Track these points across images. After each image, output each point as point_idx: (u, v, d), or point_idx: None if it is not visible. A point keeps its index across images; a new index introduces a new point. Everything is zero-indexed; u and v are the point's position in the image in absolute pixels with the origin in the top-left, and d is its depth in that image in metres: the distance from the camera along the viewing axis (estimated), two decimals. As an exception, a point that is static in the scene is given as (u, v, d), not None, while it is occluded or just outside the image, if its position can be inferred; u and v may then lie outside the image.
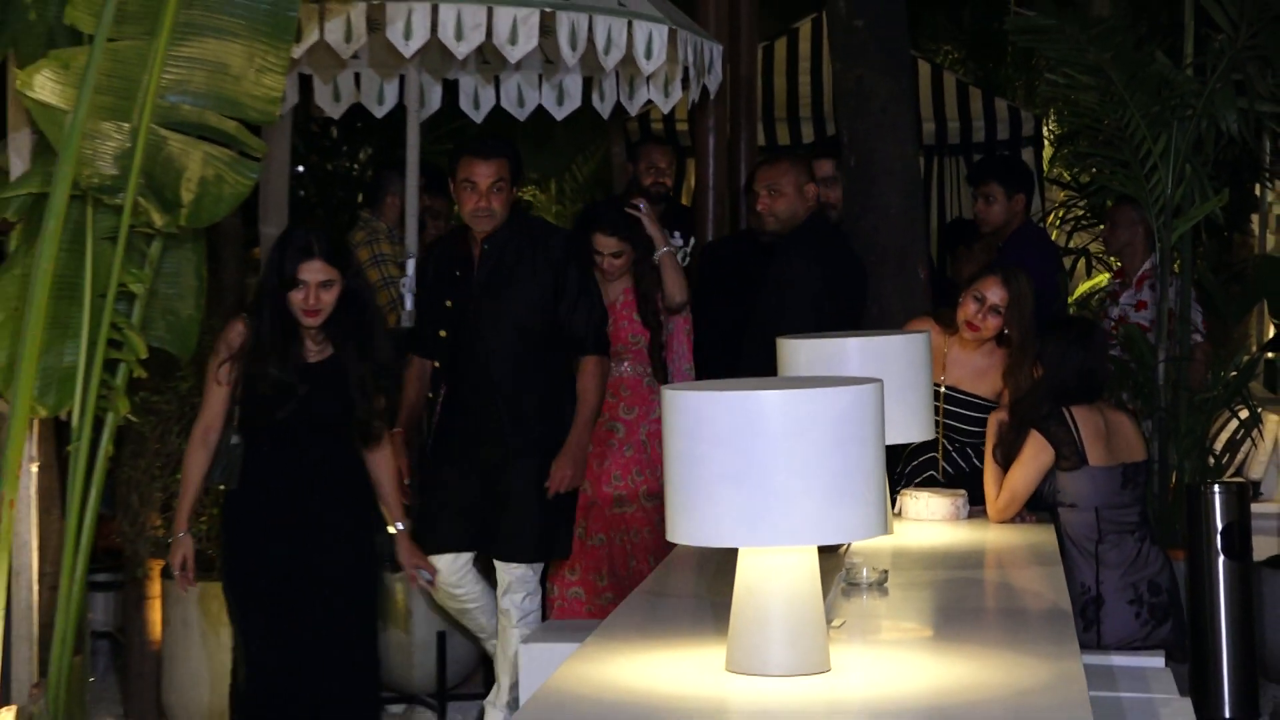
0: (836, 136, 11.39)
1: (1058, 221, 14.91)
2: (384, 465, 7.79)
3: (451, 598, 8.57)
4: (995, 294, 8.13)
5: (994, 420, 8.08)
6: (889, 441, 5.42)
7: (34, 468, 7.01)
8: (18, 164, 7.02)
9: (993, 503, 7.86)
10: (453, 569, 8.42)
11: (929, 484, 8.25)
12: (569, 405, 8.44)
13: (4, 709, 6.36)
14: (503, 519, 8.37)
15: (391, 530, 7.99)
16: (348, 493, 7.79)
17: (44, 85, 6.33)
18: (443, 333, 8.33)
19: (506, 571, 8.39)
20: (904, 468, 8.38)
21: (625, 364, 9.34)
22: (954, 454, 8.35)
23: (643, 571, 8.72)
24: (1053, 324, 8.18)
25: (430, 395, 8.87)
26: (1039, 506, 7.97)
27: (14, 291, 6.50)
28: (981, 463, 8.14)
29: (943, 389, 8.24)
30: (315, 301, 7.27)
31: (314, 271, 7.20)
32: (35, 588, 7.13)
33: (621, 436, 9.41)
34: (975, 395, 8.30)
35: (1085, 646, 6.32)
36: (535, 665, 6.87)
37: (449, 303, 8.34)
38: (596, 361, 8.46)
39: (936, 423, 7.99)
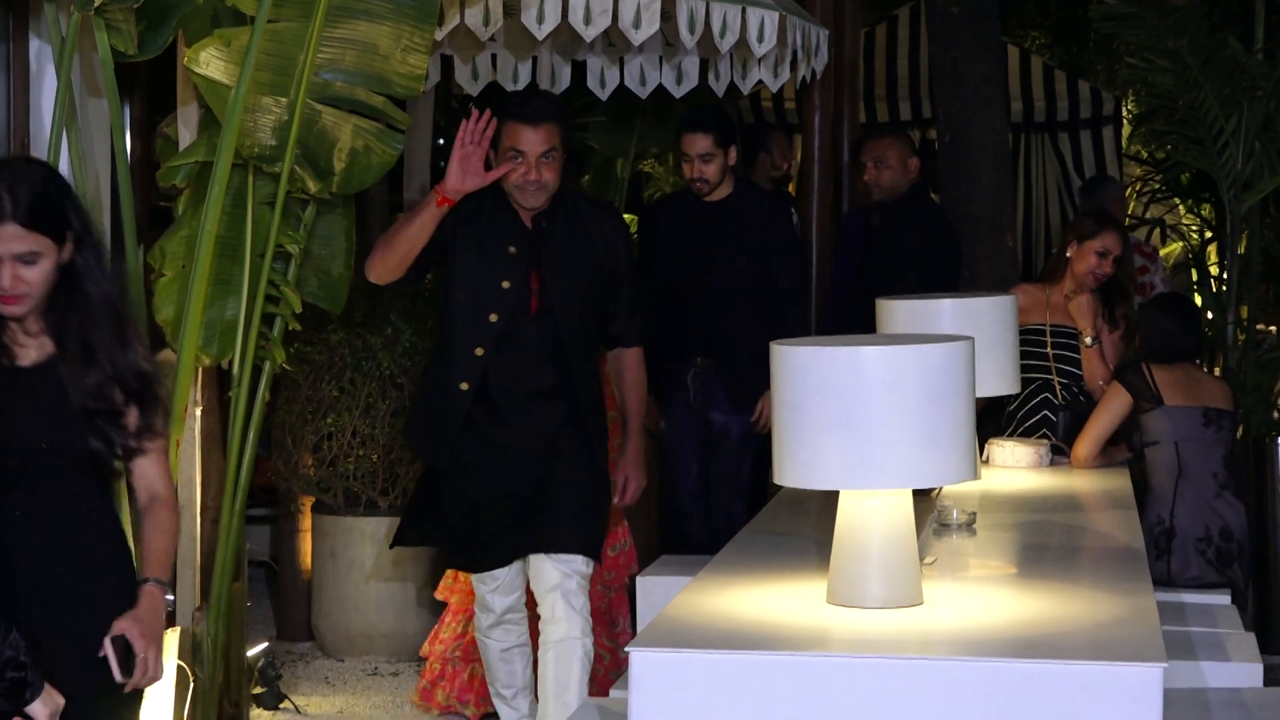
0: (933, 115, 11.37)
1: (1134, 195, 14.81)
2: (159, 519, 4.96)
3: (503, 629, 7.02)
4: (1111, 243, 8.15)
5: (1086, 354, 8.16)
6: (979, 394, 5.42)
7: (198, 412, 7.06)
8: (186, 135, 7.06)
9: (1081, 444, 7.86)
10: (513, 591, 6.95)
11: (1044, 425, 8.22)
12: (601, 398, 7.05)
13: (171, 629, 6.41)
14: (559, 512, 6.74)
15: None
16: (96, 557, 4.88)
17: (210, 62, 6.37)
18: (494, 316, 6.59)
19: (568, 567, 6.70)
20: (1019, 409, 8.34)
21: None
22: (1068, 387, 8.29)
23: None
24: (1157, 298, 8.19)
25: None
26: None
27: (181, 251, 6.54)
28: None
29: (1049, 329, 8.25)
30: (10, 282, 4.68)
31: (7, 239, 4.64)
32: (198, 520, 7.19)
33: None
34: (1076, 329, 8.30)
35: (1155, 576, 6.29)
36: (651, 596, 6.89)
37: (505, 283, 6.60)
38: (638, 353, 7.12)
39: (1047, 356, 8.08)
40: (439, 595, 8.29)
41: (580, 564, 6.75)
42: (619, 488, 6.98)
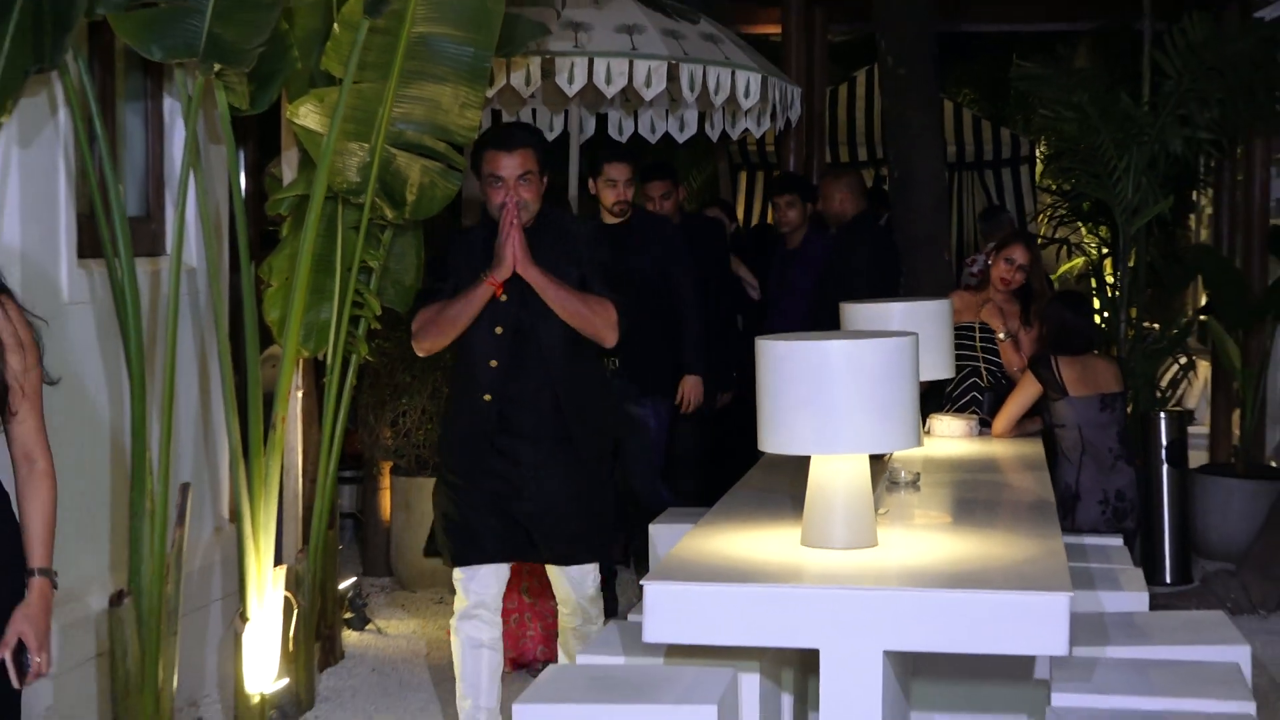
0: (884, 155, 11.39)
1: (1046, 219, 14.83)
2: (38, 492, 4.15)
3: (476, 627, 5.99)
4: (1020, 256, 8.22)
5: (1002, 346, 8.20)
6: (921, 378, 5.43)
7: (299, 395, 7.09)
8: (288, 173, 7.08)
9: (999, 420, 7.91)
10: (494, 582, 6.00)
11: (973, 404, 8.26)
12: (612, 401, 6.41)
13: (278, 566, 6.42)
14: (568, 519, 5.97)
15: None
16: None
17: (307, 115, 6.38)
18: (499, 329, 5.85)
19: (583, 577, 6.10)
20: (954, 390, 8.36)
21: None
22: (992, 372, 8.31)
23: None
24: (1056, 294, 8.19)
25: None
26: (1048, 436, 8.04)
27: (284, 266, 6.56)
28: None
29: (977, 326, 8.29)
30: None
31: None
32: (300, 480, 7.22)
33: None
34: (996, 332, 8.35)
35: (1063, 529, 6.30)
36: (662, 540, 6.89)
37: (503, 297, 5.83)
38: (605, 302, 5.97)
39: (976, 348, 8.13)
40: None
41: (592, 572, 6.12)
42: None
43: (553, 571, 6.09)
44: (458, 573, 5.96)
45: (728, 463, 8.74)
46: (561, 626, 6.26)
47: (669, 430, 8.85)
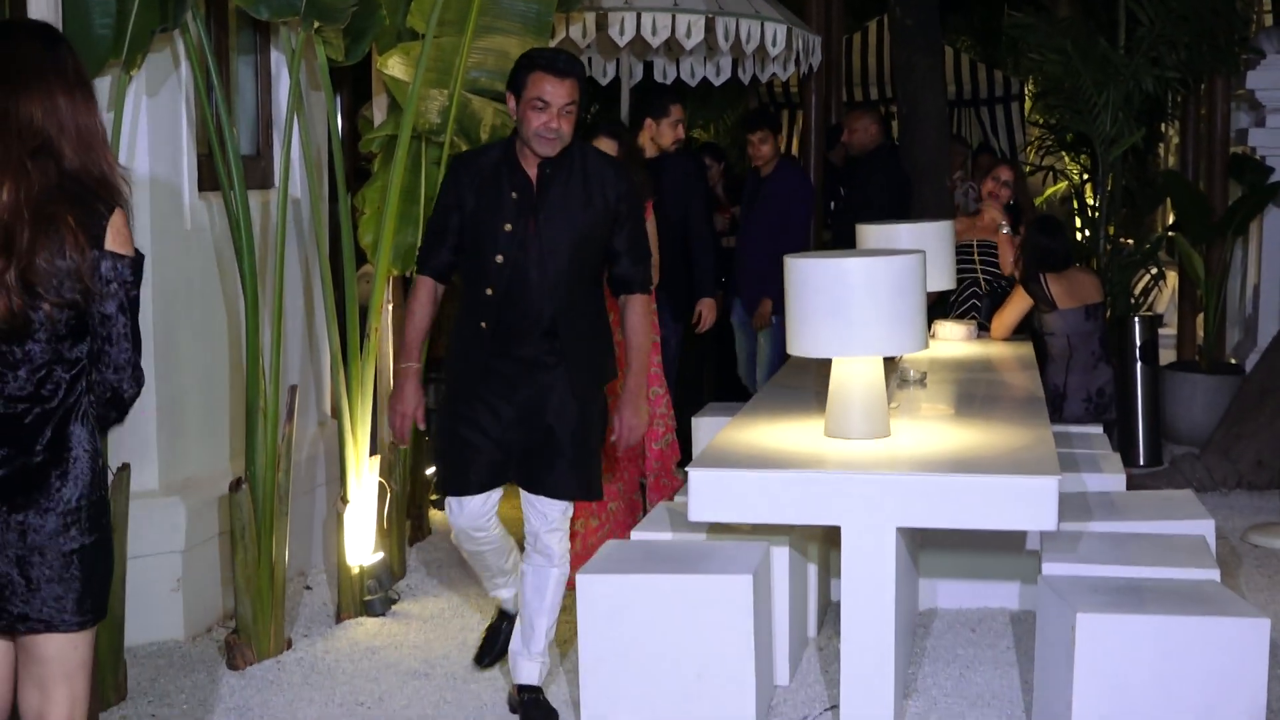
0: (894, 94, 11.32)
1: (1034, 149, 14.74)
2: None
3: (470, 540, 5.26)
4: (1005, 174, 8.29)
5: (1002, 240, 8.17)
6: (928, 289, 5.42)
7: (390, 307, 7.06)
8: (378, 116, 7.04)
9: (995, 324, 7.91)
10: (482, 511, 5.16)
11: (973, 310, 8.24)
12: (608, 342, 5.32)
13: (373, 456, 6.43)
14: (547, 455, 5.08)
15: None
16: None
17: (394, 66, 6.34)
18: (499, 258, 4.98)
19: (548, 509, 5.12)
20: (956, 297, 8.34)
21: None
22: (989, 282, 8.28)
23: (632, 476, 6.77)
24: (1034, 221, 8.15)
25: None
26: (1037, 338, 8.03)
27: (376, 197, 6.53)
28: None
29: (975, 243, 8.28)
30: None
31: None
32: (391, 381, 7.20)
33: None
34: (994, 243, 8.30)
35: (1052, 424, 6.28)
36: (704, 431, 6.89)
37: (508, 226, 4.98)
38: (645, 300, 5.25)
39: (975, 262, 8.12)
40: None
41: (564, 508, 5.15)
42: (614, 427, 5.18)
43: (523, 497, 5.17)
44: (447, 500, 5.20)
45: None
46: (521, 577, 5.31)
47: (682, 348, 8.58)
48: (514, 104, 5.00)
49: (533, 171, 5.03)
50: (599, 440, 5.22)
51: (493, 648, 5.64)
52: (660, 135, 7.96)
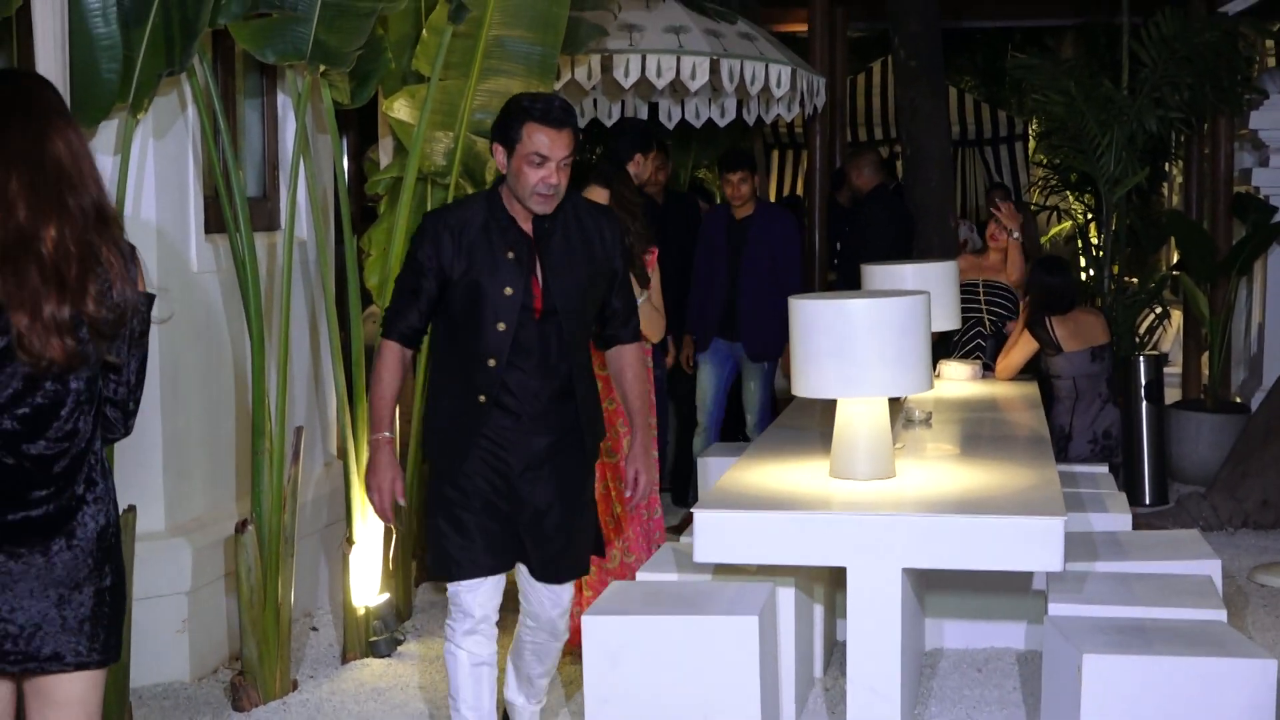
0: (898, 135, 11.35)
1: (1038, 189, 14.77)
2: None
3: (482, 644, 4.69)
4: (1010, 213, 8.36)
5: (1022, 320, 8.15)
6: (933, 329, 5.42)
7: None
8: (384, 158, 7.06)
9: (1000, 365, 7.92)
10: (495, 597, 4.70)
11: (977, 350, 8.25)
12: (597, 392, 4.85)
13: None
14: (559, 538, 4.67)
15: None
16: None
17: (400, 108, 6.36)
18: (501, 325, 4.50)
19: (563, 594, 4.78)
20: (960, 337, 8.34)
21: None
22: (994, 322, 8.29)
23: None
24: (1038, 262, 8.16)
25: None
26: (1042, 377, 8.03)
27: (382, 238, 6.54)
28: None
29: (981, 283, 8.29)
30: None
31: None
32: (397, 421, 7.18)
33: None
34: (1000, 283, 8.30)
35: (1058, 462, 6.29)
36: (710, 471, 6.88)
37: (508, 290, 4.50)
38: (638, 349, 4.91)
39: (980, 302, 8.11)
40: None
41: (569, 589, 4.81)
42: (629, 481, 4.84)
43: (529, 584, 4.79)
44: (457, 587, 4.67)
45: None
46: (519, 641, 4.97)
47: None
48: (503, 156, 4.56)
49: (527, 227, 4.60)
50: (594, 519, 4.88)
51: None
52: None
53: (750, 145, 15.65)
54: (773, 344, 8.52)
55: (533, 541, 4.67)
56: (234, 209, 5.72)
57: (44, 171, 3.32)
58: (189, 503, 6.10)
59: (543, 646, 4.92)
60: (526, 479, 4.62)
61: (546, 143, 4.48)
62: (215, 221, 6.15)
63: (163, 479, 5.94)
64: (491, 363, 4.56)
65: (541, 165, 4.48)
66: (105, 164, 5.61)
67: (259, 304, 5.77)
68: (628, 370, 4.89)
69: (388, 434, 4.68)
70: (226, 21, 5.65)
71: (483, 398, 4.57)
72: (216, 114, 5.75)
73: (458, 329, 4.62)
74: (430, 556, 4.76)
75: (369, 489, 4.68)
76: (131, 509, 5.34)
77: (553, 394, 4.62)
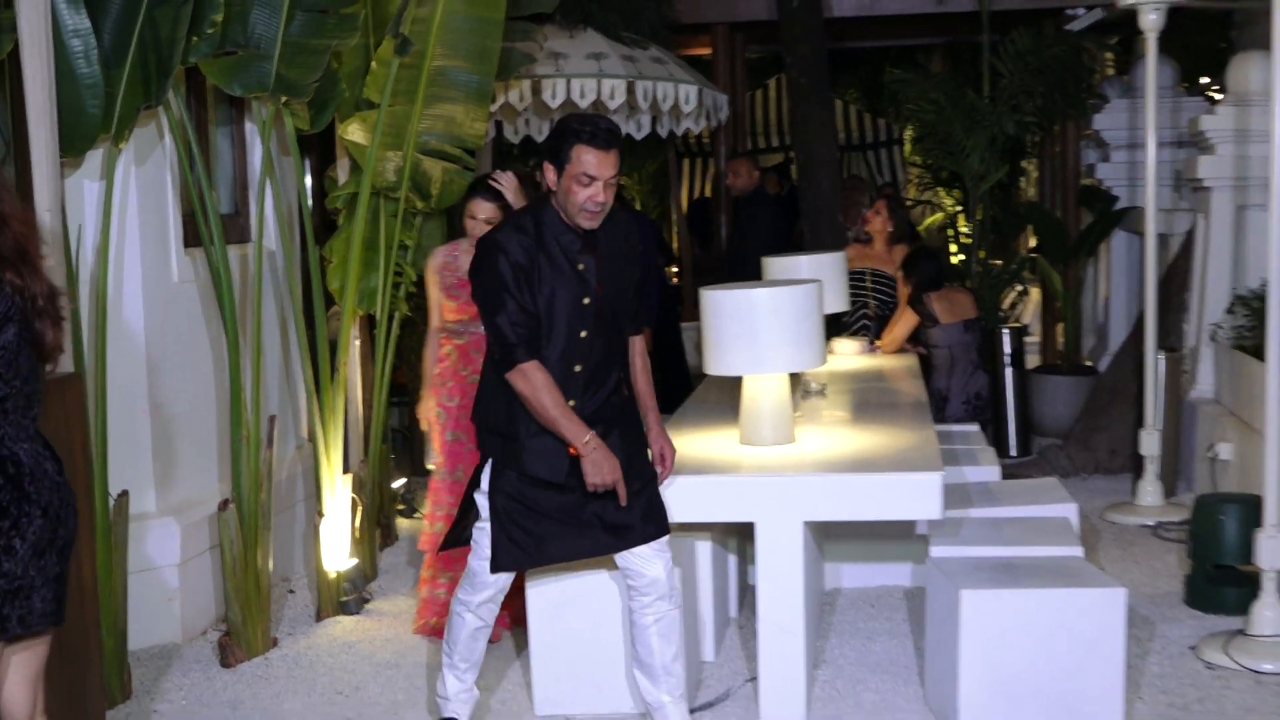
0: (792, 143, 11.35)
1: (914, 185, 14.85)
2: None
3: (489, 612, 4.63)
4: (879, 207, 8.34)
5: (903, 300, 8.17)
6: (825, 311, 5.42)
7: (357, 343, 7.01)
8: (342, 176, 6.98)
9: (885, 339, 7.94)
10: (511, 575, 4.58)
11: (864, 329, 8.26)
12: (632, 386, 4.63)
13: (346, 474, 6.36)
14: (641, 503, 4.42)
15: None
16: None
17: (354, 132, 6.30)
18: (584, 333, 4.32)
19: (661, 548, 4.49)
20: (849, 317, 8.35)
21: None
22: (879, 304, 8.31)
23: None
24: (913, 250, 8.21)
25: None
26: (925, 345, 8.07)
27: (342, 247, 6.48)
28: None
29: (867, 270, 8.30)
30: None
31: None
32: (360, 407, 7.14)
33: None
34: (883, 271, 8.31)
35: (935, 424, 6.31)
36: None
37: (586, 300, 4.31)
38: (643, 339, 4.72)
39: (866, 287, 8.12)
40: (421, 546, 5.98)
41: (668, 548, 4.56)
42: (658, 458, 4.62)
43: (632, 556, 4.50)
44: (495, 571, 4.48)
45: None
46: (640, 634, 4.57)
47: None
48: (553, 175, 4.31)
49: (582, 240, 4.36)
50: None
51: None
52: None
53: (664, 155, 15.68)
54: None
55: (620, 515, 4.42)
56: (209, 225, 5.64)
57: None
58: (177, 486, 6.02)
59: (665, 618, 4.55)
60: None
61: (594, 163, 4.26)
62: (193, 236, 6.07)
63: (152, 465, 5.87)
64: (578, 369, 4.36)
65: (590, 184, 4.27)
66: (92, 189, 5.55)
67: (234, 308, 5.70)
68: (637, 359, 4.66)
69: (591, 435, 4.30)
70: (197, 60, 5.58)
71: (571, 401, 4.33)
72: (191, 141, 5.67)
73: (548, 341, 4.34)
74: (452, 532, 4.61)
75: (601, 481, 4.31)
76: (125, 493, 5.28)
77: (614, 390, 4.47)
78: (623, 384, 4.54)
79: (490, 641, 5.32)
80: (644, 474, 4.52)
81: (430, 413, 5.94)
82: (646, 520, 4.47)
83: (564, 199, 4.31)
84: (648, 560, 4.51)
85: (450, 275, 5.85)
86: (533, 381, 4.27)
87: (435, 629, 5.83)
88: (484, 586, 4.56)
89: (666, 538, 4.53)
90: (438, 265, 5.90)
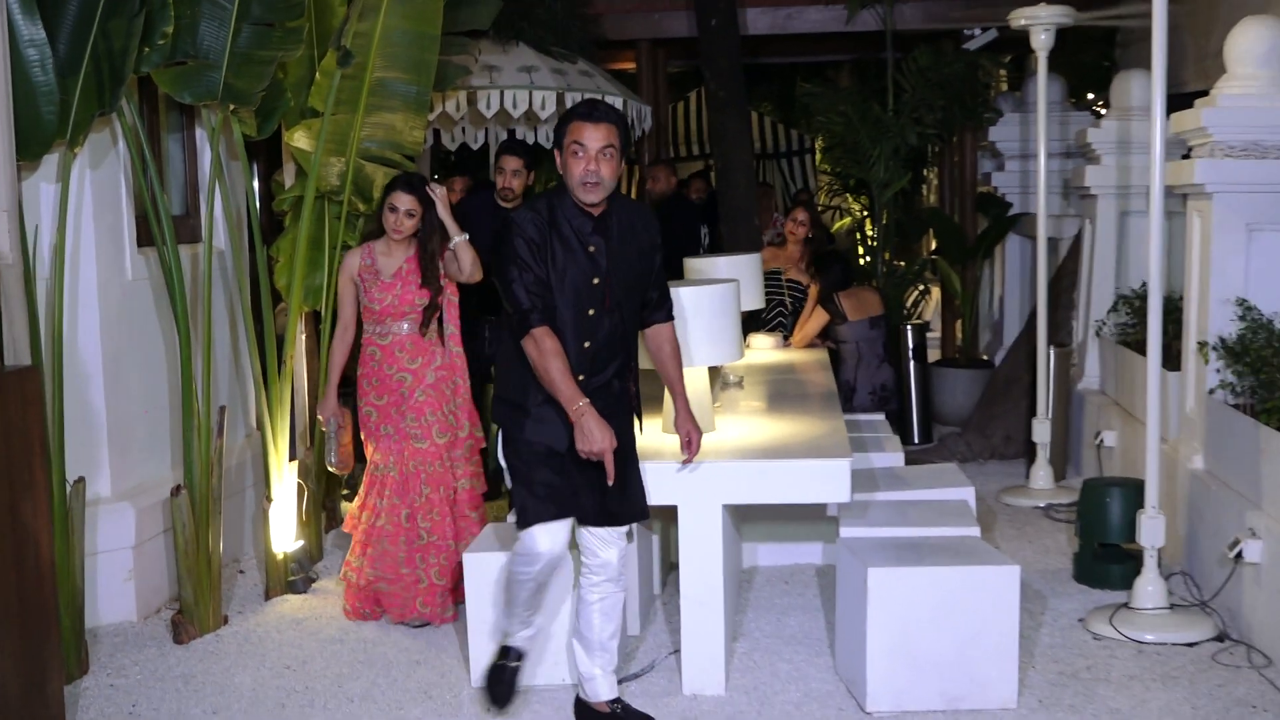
0: (711, 152, 11.37)
1: (824, 192, 14.92)
2: None
3: (549, 568, 4.47)
4: (802, 215, 8.30)
5: (811, 298, 8.20)
6: (742, 309, 5.44)
7: (302, 337, 6.95)
8: (288, 180, 6.92)
9: (797, 335, 7.96)
10: (564, 536, 4.42)
11: (779, 325, 8.27)
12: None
13: (292, 461, 6.31)
14: (625, 488, 4.42)
15: None
16: None
17: (300, 138, 6.25)
18: (592, 311, 4.31)
19: (618, 539, 4.50)
20: (765, 314, 8.37)
21: (405, 324, 5.65)
22: (794, 301, 8.33)
23: (431, 499, 5.67)
24: (823, 254, 8.24)
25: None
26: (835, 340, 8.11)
27: (288, 246, 6.42)
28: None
29: (782, 270, 8.33)
30: None
31: None
32: (306, 398, 7.09)
33: (410, 384, 5.65)
34: (797, 279, 8.33)
35: (844, 413, 6.35)
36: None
37: (595, 280, 4.30)
38: (672, 326, 4.63)
39: (782, 286, 8.13)
40: (346, 529, 5.87)
41: (625, 537, 4.54)
42: (684, 443, 4.62)
43: (591, 534, 4.49)
44: (535, 536, 4.38)
45: None
46: (583, 611, 4.58)
47: None
48: (559, 157, 4.33)
49: (594, 225, 4.34)
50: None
51: (511, 687, 4.63)
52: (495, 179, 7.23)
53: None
54: None
55: (599, 493, 4.39)
56: (161, 226, 5.59)
57: None
58: (131, 472, 5.95)
59: (609, 598, 4.54)
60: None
61: (583, 132, 4.25)
62: (145, 236, 6.00)
63: (108, 453, 5.79)
64: (587, 345, 4.34)
65: (582, 155, 4.25)
66: (48, 192, 5.47)
67: (185, 305, 5.65)
68: (666, 345, 4.61)
69: (584, 401, 4.24)
70: (149, 69, 5.52)
71: (581, 376, 4.30)
72: (143, 147, 5.61)
73: (560, 317, 4.31)
74: (516, 510, 4.45)
75: (591, 450, 4.24)
76: (81, 480, 5.22)
77: (615, 371, 4.43)
78: (626, 372, 4.48)
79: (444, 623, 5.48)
80: (631, 461, 4.49)
81: (330, 411, 5.88)
82: (619, 505, 4.44)
83: (567, 179, 4.30)
84: (605, 543, 4.50)
85: (371, 277, 5.71)
86: (541, 346, 4.23)
87: (360, 612, 5.80)
88: (533, 560, 4.42)
89: (624, 529, 4.49)
90: (355, 267, 5.75)
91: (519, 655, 4.64)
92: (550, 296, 4.28)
